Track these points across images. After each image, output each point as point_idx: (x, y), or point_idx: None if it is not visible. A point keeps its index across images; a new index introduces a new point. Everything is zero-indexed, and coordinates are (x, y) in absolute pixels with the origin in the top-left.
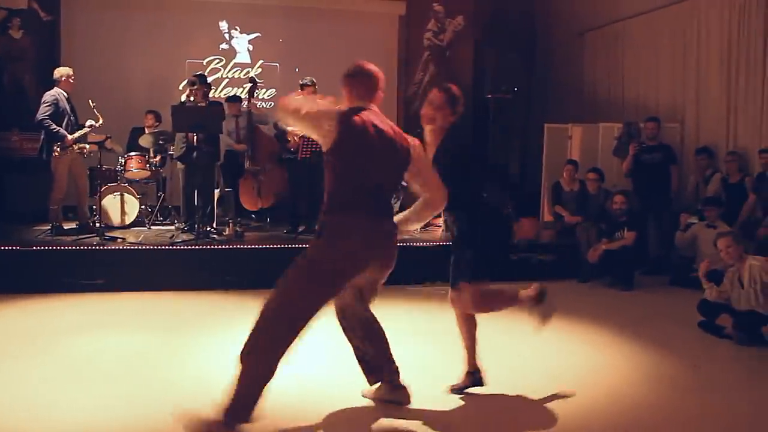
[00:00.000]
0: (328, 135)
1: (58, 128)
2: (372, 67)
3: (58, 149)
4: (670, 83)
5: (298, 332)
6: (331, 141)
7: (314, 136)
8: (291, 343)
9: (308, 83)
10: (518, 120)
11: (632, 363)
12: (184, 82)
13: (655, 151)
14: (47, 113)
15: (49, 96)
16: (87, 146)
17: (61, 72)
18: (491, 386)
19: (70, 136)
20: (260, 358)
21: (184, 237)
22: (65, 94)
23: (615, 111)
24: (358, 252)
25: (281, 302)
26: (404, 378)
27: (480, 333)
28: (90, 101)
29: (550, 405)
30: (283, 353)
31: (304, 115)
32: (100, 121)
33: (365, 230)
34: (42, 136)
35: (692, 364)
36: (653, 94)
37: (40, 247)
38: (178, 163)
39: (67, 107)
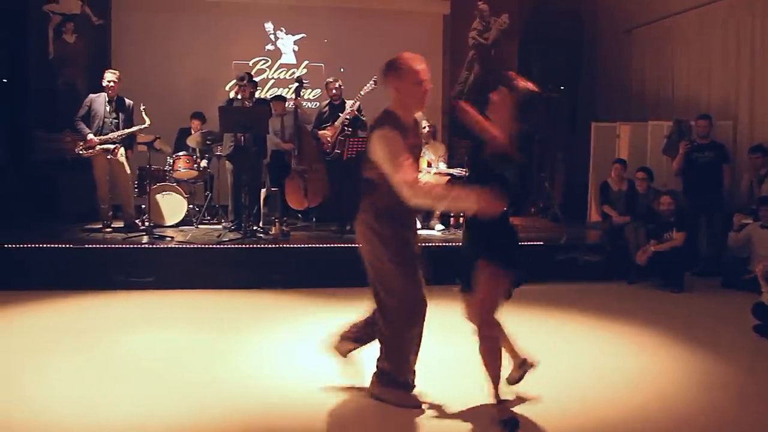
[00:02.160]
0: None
1: (82, 128)
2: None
3: (83, 150)
4: (723, 79)
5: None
6: None
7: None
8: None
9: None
10: (565, 119)
11: (683, 367)
12: (232, 82)
13: (707, 149)
14: (78, 114)
15: (86, 99)
16: (110, 147)
17: (105, 77)
18: (538, 387)
19: (92, 136)
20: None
21: (231, 236)
22: (107, 97)
23: (664, 109)
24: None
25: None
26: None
27: (527, 333)
28: (141, 105)
29: (598, 408)
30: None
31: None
32: (147, 123)
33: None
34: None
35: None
36: (705, 91)
37: (92, 245)
38: (227, 162)
39: (105, 110)
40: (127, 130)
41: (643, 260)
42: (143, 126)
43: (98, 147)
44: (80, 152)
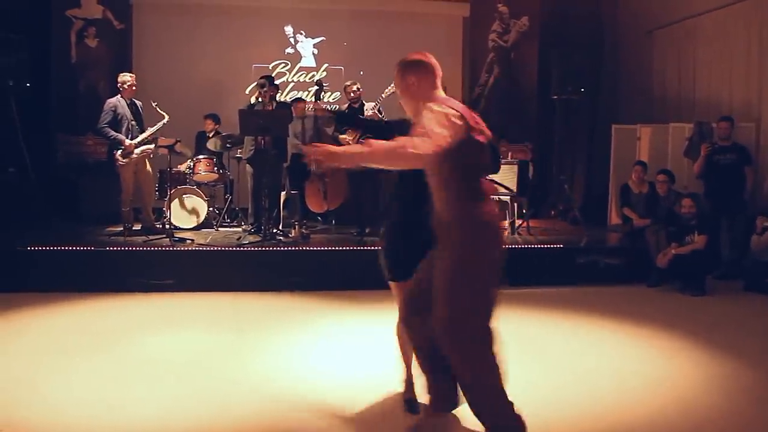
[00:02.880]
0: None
1: (116, 134)
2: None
3: (120, 156)
4: (745, 81)
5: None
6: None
7: None
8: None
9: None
10: (585, 121)
11: (703, 371)
12: (253, 85)
13: (729, 151)
14: (105, 121)
15: (107, 104)
16: (150, 147)
17: (121, 79)
18: (556, 391)
19: (129, 141)
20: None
21: (251, 239)
22: (126, 100)
23: (685, 111)
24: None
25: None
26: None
27: (547, 336)
28: (152, 102)
29: (616, 412)
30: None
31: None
32: (166, 118)
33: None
34: (109, 142)
35: None
36: (726, 93)
37: (113, 247)
38: (247, 165)
39: (128, 113)
40: (152, 129)
41: (664, 263)
42: (165, 120)
43: (135, 151)
44: (120, 161)
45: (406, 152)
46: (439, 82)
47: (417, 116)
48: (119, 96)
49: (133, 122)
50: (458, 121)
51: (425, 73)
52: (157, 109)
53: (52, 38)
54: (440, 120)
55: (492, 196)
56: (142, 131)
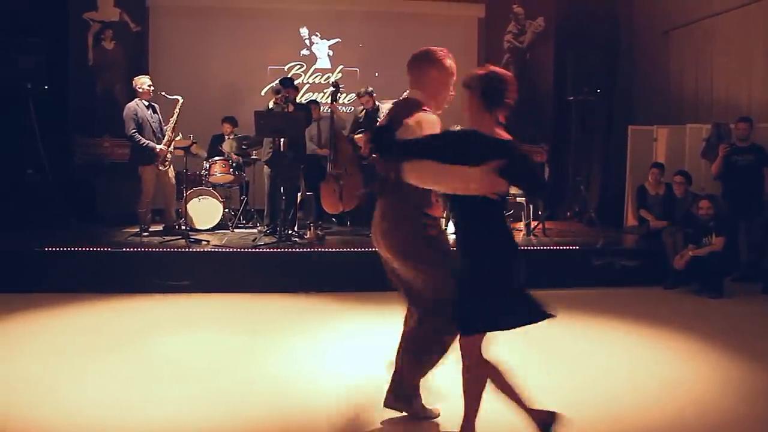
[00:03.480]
0: None
1: (147, 142)
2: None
3: (160, 165)
4: (764, 81)
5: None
6: None
7: None
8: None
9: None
10: (601, 122)
11: (721, 375)
12: (267, 88)
13: (747, 152)
14: (132, 128)
15: (128, 109)
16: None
17: (137, 82)
18: (572, 393)
19: (161, 147)
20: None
21: (267, 240)
22: (144, 102)
23: (703, 111)
24: None
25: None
26: None
27: (563, 338)
28: (160, 93)
29: (633, 414)
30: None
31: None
32: (180, 99)
33: None
34: (132, 145)
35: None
36: (745, 93)
37: (129, 248)
38: (265, 167)
39: (147, 115)
40: (174, 117)
41: (681, 265)
42: (180, 102)
43: (168, 154)
44: (160, 167)
45: None
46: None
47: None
48: (137, 99)
49: (154, 123)
50: None
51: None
52: (166, 96)
53: (70, 41)
54: None
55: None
56: (162, 131)
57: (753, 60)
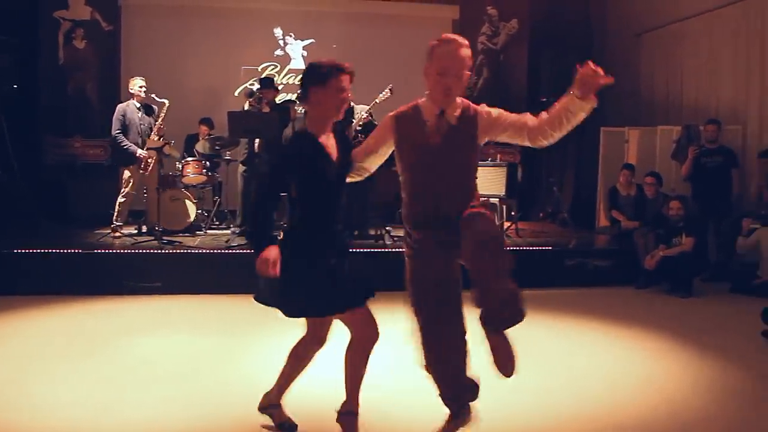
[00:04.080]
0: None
1: (129, 145)
2: None
3: (143, 169)
4: (732, 84)
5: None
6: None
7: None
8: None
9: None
10: None
11: (692, 372)
12: (240, 88)
13: (716, 154)
14: (116, 128)
15: (117, 110)
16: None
17: (129, 83)
18: (546, 393)
19: (141, 152)
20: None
21: (240, 241)
22: (137, 104)
23: (673, 114)
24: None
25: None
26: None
27: (536, 338)
28: (153, 95)
29: (606, 414)
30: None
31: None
32: (167, 102)
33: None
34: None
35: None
36: (713, 96)
37: (101, 250)
38: (240, 165)
39: (136, 117)
40: (158, 121)
41: (652, 265)
42: (166, 105)
43: (150, 159)
44: (143, 171)
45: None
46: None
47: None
48: (131, 100)
49: (144, 125)
50: None
51: None
52: (155, 98)
53: (40, 40)
54: None
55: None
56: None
57: (721, 63)
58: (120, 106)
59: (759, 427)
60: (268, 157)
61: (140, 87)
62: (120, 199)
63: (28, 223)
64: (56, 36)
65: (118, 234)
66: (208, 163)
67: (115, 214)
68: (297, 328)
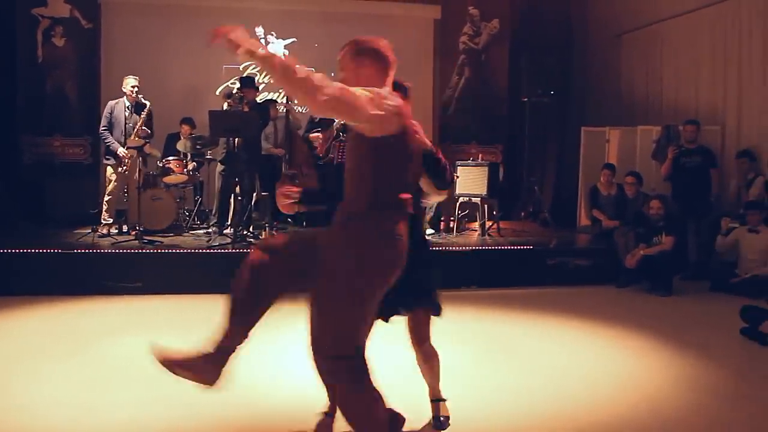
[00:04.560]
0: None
1: (112, 142)
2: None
3: (122, 168)
4: (711, 85)
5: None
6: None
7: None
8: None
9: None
10: (555, 123)
11: (672, 370)
12: (222, 87)
13: (695, 154)
14: (103, 125)
15: (106, 107)
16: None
17: (123, 82)
18: (527, 392)
19: (122, 151)
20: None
21: (221, 240)
22: (127, 103)
23: (653, 114)
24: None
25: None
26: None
27: (516, 337)
28: (141, 96)
29: (587, 412)
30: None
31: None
32: (148, 104)
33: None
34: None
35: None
36: (693, 96)
37: (81, 250)
38: (219, 164)
39: (123, 115)
40: (138, 123)
41: (633, 264)
42: (147, 107)
43: (128, 159)
44: (123, 171)
45: (303, 77)
46: (390, 80)
47: None
48: (122, 98)
49: (130, 124)
50: (393, 112)
51: (384, 65)
52: (141, 99)
53: (18, 37)
54: (375, 96)
55: (405, 213)
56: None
57: (700, 64)
58: (109, 103)
59: (739, 424)
60: (247, 157)
61: (132, 87)
62: (106, 197)
63: (6, 224)
64: (35, 33)
65: (104, 231)
66: (190, 162)
67: (102, 212)
68: (276, 328)
